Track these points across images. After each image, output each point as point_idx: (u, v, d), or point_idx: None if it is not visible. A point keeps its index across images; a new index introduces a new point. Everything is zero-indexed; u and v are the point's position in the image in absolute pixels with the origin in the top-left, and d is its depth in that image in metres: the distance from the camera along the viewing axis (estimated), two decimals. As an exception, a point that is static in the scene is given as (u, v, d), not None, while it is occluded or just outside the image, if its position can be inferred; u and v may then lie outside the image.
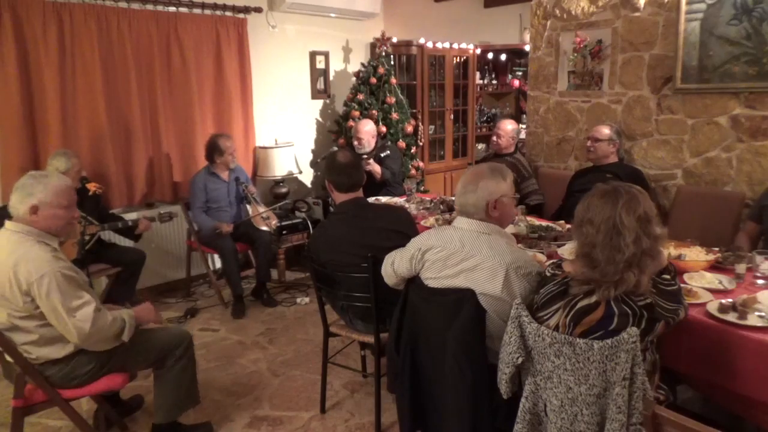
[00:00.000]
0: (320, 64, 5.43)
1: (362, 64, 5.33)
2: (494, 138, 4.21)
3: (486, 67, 7.07)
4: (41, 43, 3.70)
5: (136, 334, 2.30)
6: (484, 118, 7.17)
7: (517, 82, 7.08)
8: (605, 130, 3.69)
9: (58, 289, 2.06)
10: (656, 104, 3.84)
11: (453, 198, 3.95)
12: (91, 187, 3.59)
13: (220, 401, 2.94)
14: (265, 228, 4.21)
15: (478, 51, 6.59)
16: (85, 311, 2.11)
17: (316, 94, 5.46)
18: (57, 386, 2.24)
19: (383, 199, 4.05)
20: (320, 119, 5.57)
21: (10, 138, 3.67)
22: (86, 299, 2.14)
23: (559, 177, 4.21)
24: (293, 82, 5.27)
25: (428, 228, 3.18)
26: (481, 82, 6.88)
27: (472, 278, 1.90)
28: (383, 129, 5.02)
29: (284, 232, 4.62)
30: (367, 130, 4.53)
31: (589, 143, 3.71)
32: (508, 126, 4.18)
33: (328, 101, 5.59)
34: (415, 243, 2.09)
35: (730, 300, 2.01)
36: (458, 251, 1.94)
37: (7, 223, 2.18)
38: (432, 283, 2.01)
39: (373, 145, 4.55)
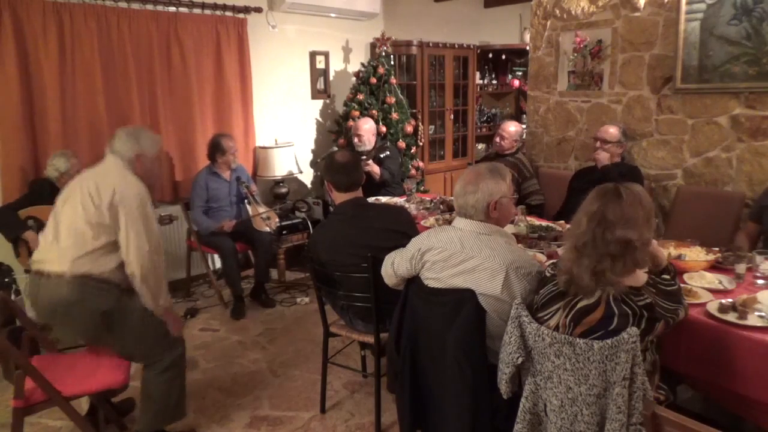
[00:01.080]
0: (320, 64, 5.43)
1: (362, 64, 5.33)
2: (497, 139, 4.19)
3: (486, 67, 7.07)
4: (41, 43, 3.70)
5: (137, 317, 2.32)
6: (484, 118, 7.17)
7: (517, 82, 7.09)
8: (614, 131, 3.65)
9: (147, 211, 2.28)
10: (656, 104, 3.84)
11: (453, 198, 3.95)
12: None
13: (220, 401, 2.94)
14: (266, 228, 4.21)
15: (478, 51, 6.59)
16: (157, 235, 2.32)
17: (316, 94, 5.46)
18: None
19: (383, 199, 4.05)
20: (320, 119, 5.57)
21: (10, 138, 3.67)
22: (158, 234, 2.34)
23: (559, 177, 4.21)
24: (293, 82, 5.27)
25: (428, 228, 3.18)
26: (481, 82, 6.89)
27: (473, 279, 1.90)
28: (383, 129, 5.02)
29: (284, 232, 4.62)
30: (367, 128, 4.54)
31: (597, 144, 3.67)
32: (511, 128, 4.18)
33: (328, 101, 5.59)
34: (415, 243, 2.09)
35: (730, 300, 2.01)
36: (458, 252, 1.94)
37: (110, 156, 2.38)
38: (432, 284, 2.01)
39: (373, 143, 4.56)
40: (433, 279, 2.00)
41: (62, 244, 2.24)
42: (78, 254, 2.21)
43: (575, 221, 1.73)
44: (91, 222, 2.23)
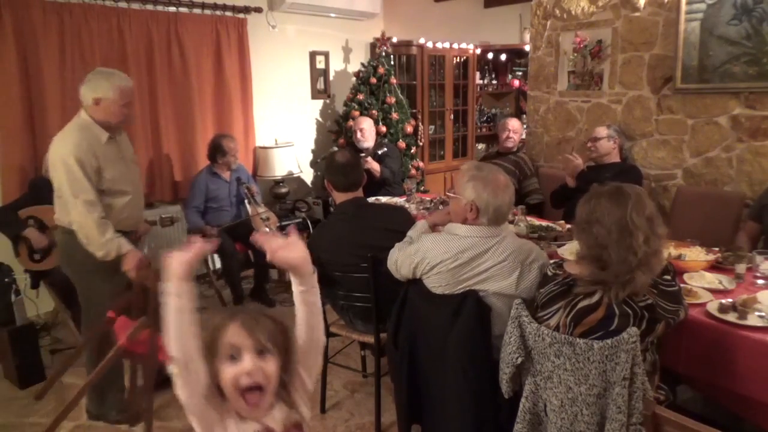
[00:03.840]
0: (320, 64, 5.43)
1: (362, 64, 5.33)
2: (509, 135, 4.17)
3: (486, 67, 7.06)
4: (41, 43, 3.70)
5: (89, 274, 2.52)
6: (484, 118, 7.16)
7: (517, 82, 7.08)
8: (603, 129, 3.70)
9: (71, 171, 2.36)
10: (656, 104, 3.84)
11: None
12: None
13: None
14: (265, 229, 4.21)
15: (478, 51, 6.59)
16: (87, 189, 2.40)
17: (316, 94, 5.46)
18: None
19: (383, 199, 4.05)
20: (320, 119, 5.57)
21: (10, 138, 3.67)
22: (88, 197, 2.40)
23: (559, 177, 4.19)
24: (293, 82, 5.27)
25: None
26: (481, 82, 6.88)
27: (486, 281, 1.92)
28: (383, 129, 5.02)
29: (284, 232, 4.61)
30: (369, 125, 4.60)
31: (589, 144, 3.71)
32: (515, 124, 4.22)
33: (328, 101, 5.59)
34: (419, 252, 2.04)
35: (730, 300, 2.01)
36: (468, 261, 1.93)
37: (80, 110, 2.50)
38: (439, 290, 2.00)
39: (374, 140, 4.59)
40: (442, 287, 1.99)
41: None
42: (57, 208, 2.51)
43: (620, 228, 1.63)
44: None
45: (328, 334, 2.75)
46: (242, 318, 1.15)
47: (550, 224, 3.20)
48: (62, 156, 2.37)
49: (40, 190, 3.47)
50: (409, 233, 2.28)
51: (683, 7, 3.55)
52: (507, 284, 1.89)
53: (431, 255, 1.99)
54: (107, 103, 2.46)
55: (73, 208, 2.39)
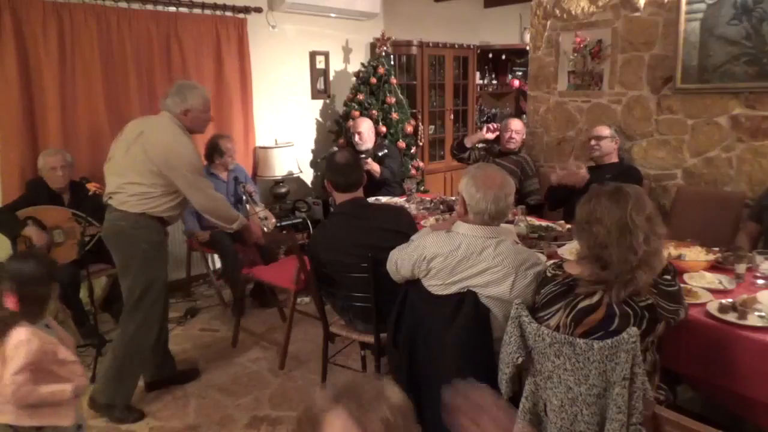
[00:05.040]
0: (320, 64, 5.42)
1: (362, 64, 5.33)
2: (511, 136, 4.15)
3: (486, 67, 7.07)
4: (41, 43, 3.69)
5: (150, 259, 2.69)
6: (484, 118, 7.17)
7: (517, 82, 7.08)
8: (606, 129, 3.70)
9: (197, 169, 2.69)
10: (656, 104, 3.84)
11: (453, 198, 3.95)
12: (92, 187, 3.56)
13: (220, 401, 2.94)
14: (263, 228, 4.20)
15: (478, 51, 6.59)
16: (204, 176, 2.79)
17: (316, 94, 5.45)
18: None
19: (383, 199, 4.05)
20: (320, 119, 5.57)
21: (10, 138, 3.66)
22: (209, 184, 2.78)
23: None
24: (293, 82, 5.26)
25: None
26: (481, 82, 6.88)
27: (481, 283, 1.91)
28: (383, 129, 5.02)
29: (284, 232, 4.62)
30: (367, 127, 4.58)
31: (593, 142, 3.69)
32: (519, 125, 4.21)
33: (328, 101, 5.59)
34: (418, 248, 2.05)
35: (730, 300, 2.01)
36: (465, 259, 1.93)
37: (165, 113, 2.72)
38: (437, 290, 2.00)
39: (373, 141, 4.58)
40: (439, 286, 1.99)
41: (120, 183, 2.66)
42: (129, 194, 2.63)
43: (620, 227, 1.64)
44: (142, 171, 2.60)
45: (328, 334, 2.75)
46: (348, 405, 0.86)
47: (550, 224, 3.21)
48: (188, 152, 2.65)
49: (36, 191, 3.48)
50: (413, 238, 2.28)
51: (683, 7, 3.55)
52: (501, 290, 1.88)
53: (429, 249, 2.00)
54: (195, 114, 2.73)
55: (204, 195, 2.70)
